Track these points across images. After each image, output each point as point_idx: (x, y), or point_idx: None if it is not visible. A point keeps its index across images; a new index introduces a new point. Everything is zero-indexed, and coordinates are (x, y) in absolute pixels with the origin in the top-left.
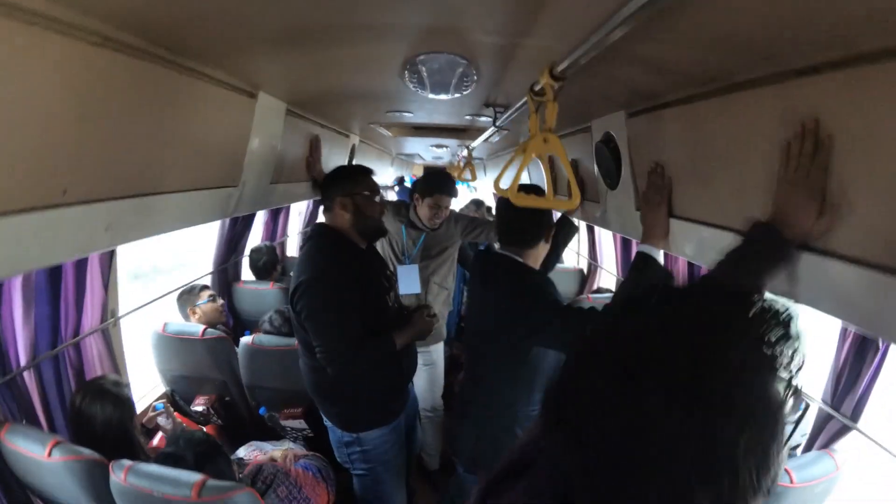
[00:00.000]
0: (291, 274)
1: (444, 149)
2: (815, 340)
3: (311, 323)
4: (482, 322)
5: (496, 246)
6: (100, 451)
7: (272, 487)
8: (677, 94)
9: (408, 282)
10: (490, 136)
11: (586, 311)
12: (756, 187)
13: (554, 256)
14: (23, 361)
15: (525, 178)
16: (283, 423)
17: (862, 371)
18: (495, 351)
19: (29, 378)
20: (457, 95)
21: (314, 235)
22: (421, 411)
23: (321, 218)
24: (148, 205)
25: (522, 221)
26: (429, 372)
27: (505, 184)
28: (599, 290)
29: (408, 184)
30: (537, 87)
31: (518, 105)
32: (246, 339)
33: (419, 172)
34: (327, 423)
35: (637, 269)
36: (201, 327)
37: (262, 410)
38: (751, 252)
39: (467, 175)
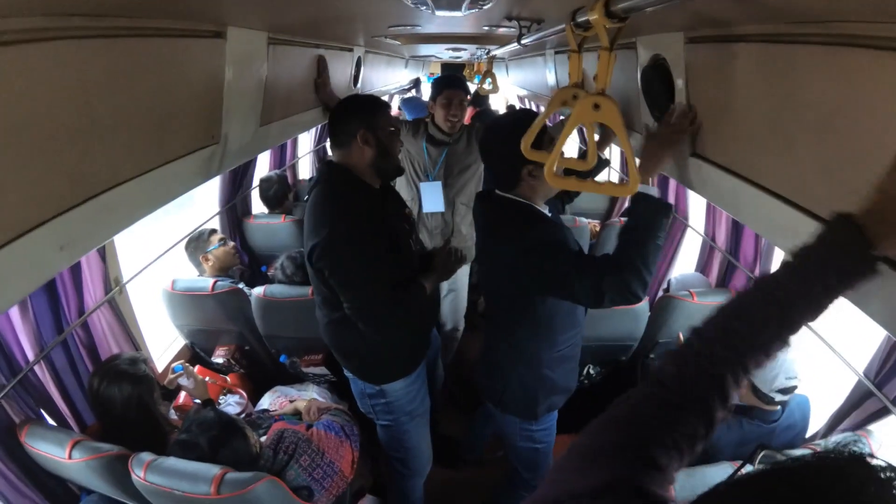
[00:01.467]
0: (304, 219)
1: (463, 50)
2: None
3: (338, 281)
4: (494, 273)
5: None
6: (124, 431)
7: (294, 458)
8: (759, 28)
9: (432, 199)
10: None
11: (602, 262)
12: (862, 172)
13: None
14: (30, 356)
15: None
16: (305, 369)
17: None
18: (511, 302)
19: (41, 372)
20: (472, 12)
21: (324, 178)
22: (443, 332)
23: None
24: (108, 203)
25: (511, 162)
26: (453, 296)
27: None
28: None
29: (425, 83)
30: (581, 19)
31: (551, 31)
32: (258, 291)
33: (437, 70)
34: (348, 374)
35: (635, 209)
36: (211, 281)
37: (282, 358)
38: (825, 261)
39: (487, 84)
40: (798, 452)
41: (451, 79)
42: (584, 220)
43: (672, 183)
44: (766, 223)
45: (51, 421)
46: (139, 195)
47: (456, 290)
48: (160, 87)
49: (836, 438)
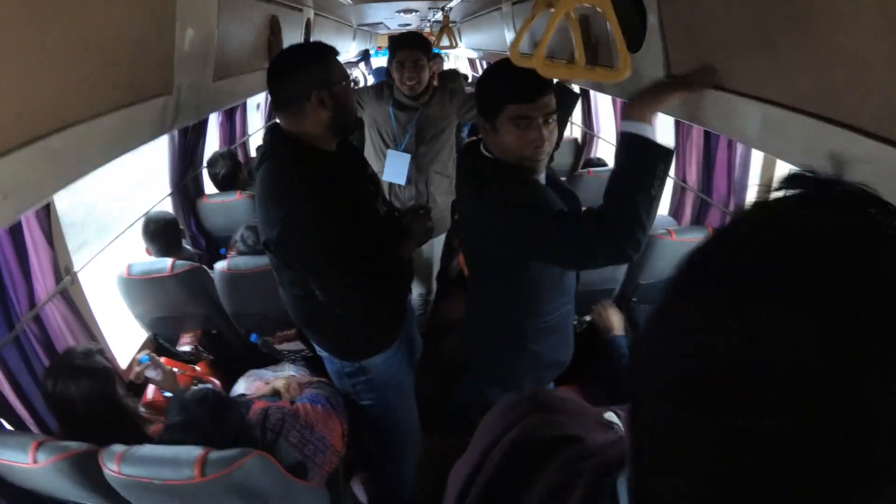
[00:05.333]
0: (255, 201)
1: (413, 14)
2: None
3: (304, 268)
4: (471, 235)
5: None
6: (89, 431)
7: (282, 435)
8: None
9: (395, 170)
10: None
11: (587, 217)
12: (849, 64)
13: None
14: None
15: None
16: (279, 347)
17: None
18: (491, 266)
19: None
20: None
21: (272, 153)
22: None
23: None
24: (54, 147)
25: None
26: (426, 262)
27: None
28: (597, 163)
29: (374, 57)
30: None
31: None
32: (220, 266)
33: (384, 43)
34: (322, 352)
35: (623, 154)
36: (169, 261)
37: (253, 337)
38: None
39: (444, 42)
40: None
41: (404, 38)
42: None
43: None
44: (757, 128)
45: (10, 428)
46: (88, 142)
47: (431, 257)
48: (111, 23)
49: None
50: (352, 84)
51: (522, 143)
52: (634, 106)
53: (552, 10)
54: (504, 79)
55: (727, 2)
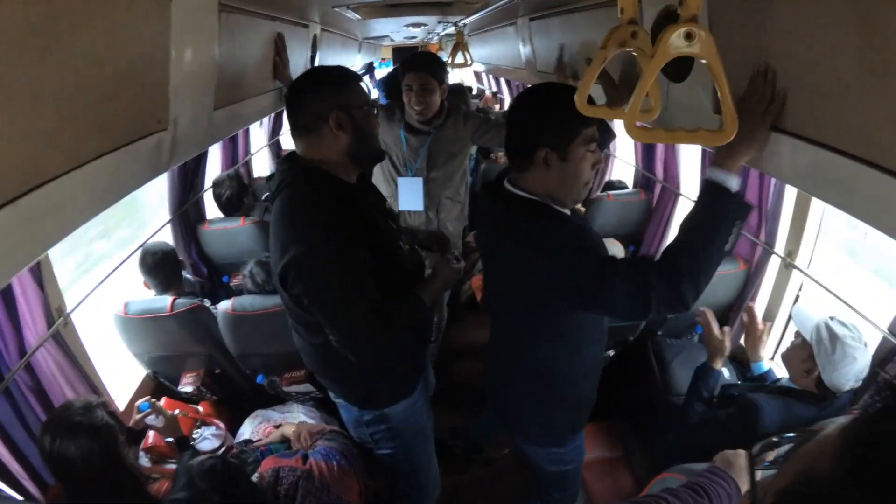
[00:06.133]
0: (270, 234)
1: (421, 27)
2: None
3: (318, 308)
4: (506, 280)
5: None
6: (92, 492)
7: (297, 500)
8: None
9: (410, 196)
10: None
11: (648, 267)
12: None
13: None
14: None
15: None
16: (287, 388)
17: None
18: (529, 312)
19: None
20: None
21: (288, 182)
22: None
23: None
24: (29, 210)
25: (526, 138)
26: None
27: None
28: (618, 185)
29: (378, 69)
30: None
31: None
32: (224, 306)
33: (388, 55)
34: (337, 400)
35: (706, 203)
36: (169, 299)
37: (259, 378)
38: None
39: (458, 59)
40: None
41: (412, 59)
42: None
43: (659, 145)
44: (845, 190)
45: (3, 487)
46: (75, 195)
47: None
48: (94, 55)
49: None
50: (373, 109)
51: (591, 167)
52: (724, 153)
53: (627, 48)
54: (572, 101)
55: (792, 35)
